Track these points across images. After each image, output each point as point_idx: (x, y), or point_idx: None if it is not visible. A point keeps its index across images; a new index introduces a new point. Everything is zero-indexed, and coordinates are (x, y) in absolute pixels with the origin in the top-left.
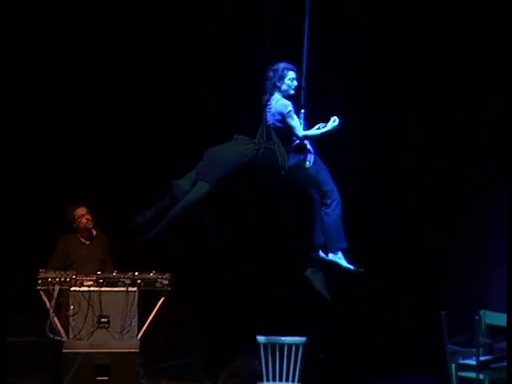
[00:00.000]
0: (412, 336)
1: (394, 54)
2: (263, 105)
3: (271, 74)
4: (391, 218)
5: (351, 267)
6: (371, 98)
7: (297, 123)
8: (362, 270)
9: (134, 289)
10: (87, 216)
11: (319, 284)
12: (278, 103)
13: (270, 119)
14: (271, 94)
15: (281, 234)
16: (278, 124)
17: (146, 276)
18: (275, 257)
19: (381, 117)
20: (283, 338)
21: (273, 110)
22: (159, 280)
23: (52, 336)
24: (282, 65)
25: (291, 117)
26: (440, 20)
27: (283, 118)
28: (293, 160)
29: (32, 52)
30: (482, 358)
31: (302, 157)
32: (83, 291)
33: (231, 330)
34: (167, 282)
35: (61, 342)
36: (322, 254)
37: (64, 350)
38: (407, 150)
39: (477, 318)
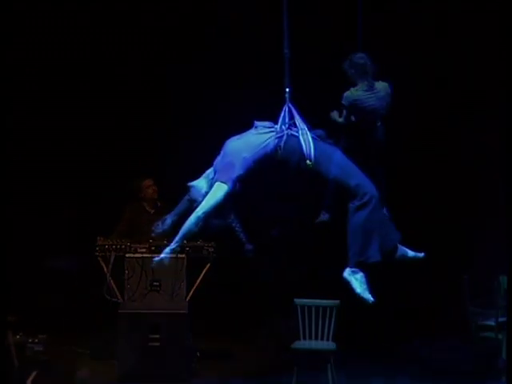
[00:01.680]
0: (437, 299)
1: (394, 54)
2: (366, 90)
3: (367, 61)
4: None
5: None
6: None
7: None
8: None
9: (183, 255)
10: (153, 187)
11: (359, 286)
12: (386, 86)
13: (378, 103)
14: (367, 79)
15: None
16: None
17: (194, 244)
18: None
19: None
20: (318, 301)
21: (382, 93)
22: (205, 248)
23: (109, 298)
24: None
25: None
26: (440, 20)
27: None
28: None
29: (32, 52)
30: (500, 319)
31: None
32: (137, 257)
33: (269, 294)
34: (212, 250)
35: (117, 303)
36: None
37: (120, 311)
38: (407, 150)
39: (496, 282)
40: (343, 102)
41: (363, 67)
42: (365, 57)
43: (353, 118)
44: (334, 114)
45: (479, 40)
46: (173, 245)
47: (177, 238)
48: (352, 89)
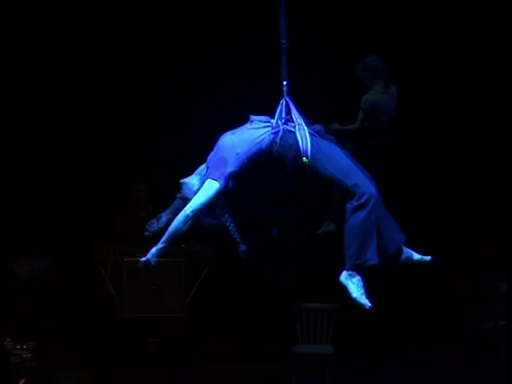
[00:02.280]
0: (437, 303)
1: (394, 54)
2: (383, 92)
3: (380, 63)
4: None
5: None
6: None
7: None
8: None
9: (181, 259)
10: (145, 191)
11: (356, 291)
12: (394, 87)
13: (392, 104)
14: (381, 81)
15: None
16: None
17: (192, 248)
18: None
19: None
20: (317, 305)
21: (395, 93)
22: (204, 252)
23: (107, 302)
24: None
25: None
26: (440, 20)
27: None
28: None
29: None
30: (500, 323)
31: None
32: (136, 261)
33: (269, 297)
34: (211, 254)
35: (115, 308)
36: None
37: (118, 315)
38: (407, 150)
39: (495, 287)
40: (362, 106)
41: (377, 69)
42: (377, 59)
43: (366, 123)
44: (335, 125)
45: (480, 40)
46: (159, 244)
47: (164, 238)
48: (370, 91)
